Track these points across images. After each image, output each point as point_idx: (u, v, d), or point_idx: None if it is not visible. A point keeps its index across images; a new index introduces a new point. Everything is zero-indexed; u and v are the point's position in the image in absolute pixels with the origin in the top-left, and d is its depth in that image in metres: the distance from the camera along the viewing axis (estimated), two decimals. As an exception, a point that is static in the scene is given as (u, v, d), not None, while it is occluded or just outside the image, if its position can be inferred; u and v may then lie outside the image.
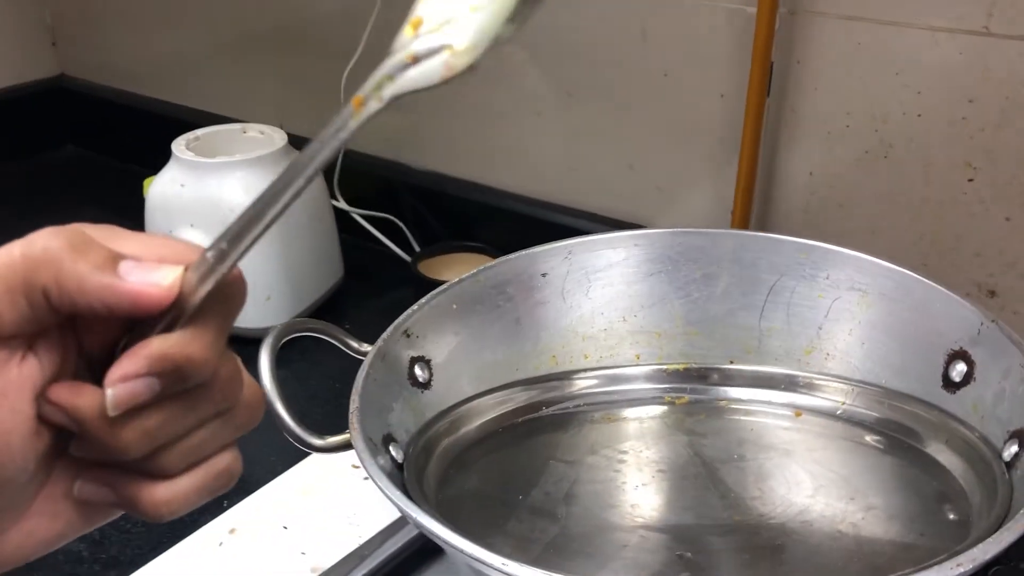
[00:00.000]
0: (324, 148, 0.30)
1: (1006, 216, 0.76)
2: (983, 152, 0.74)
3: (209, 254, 0.30)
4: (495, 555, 0.37)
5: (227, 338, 0.31)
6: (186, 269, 0.30)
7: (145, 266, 0.29)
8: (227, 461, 0.33)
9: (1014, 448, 0.46)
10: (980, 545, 0.37)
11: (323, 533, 0.66)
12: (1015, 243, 0.76)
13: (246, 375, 0.33)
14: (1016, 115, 0.71)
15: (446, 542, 0.39)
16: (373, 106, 0.30)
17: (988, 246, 0.77)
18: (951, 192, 0.77)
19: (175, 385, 0.29)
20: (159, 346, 0.29)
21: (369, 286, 1.00)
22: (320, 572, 0.63)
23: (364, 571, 0.59)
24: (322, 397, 0.83)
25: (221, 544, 0.66)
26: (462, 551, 0.38)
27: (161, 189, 0.87)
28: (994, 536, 0.38)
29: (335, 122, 0.30)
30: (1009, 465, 0.46)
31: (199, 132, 0.90)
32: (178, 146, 0.87)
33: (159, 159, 0.89)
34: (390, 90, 0.30)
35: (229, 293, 0.31)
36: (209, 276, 0.30)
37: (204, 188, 0.85)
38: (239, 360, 0.33)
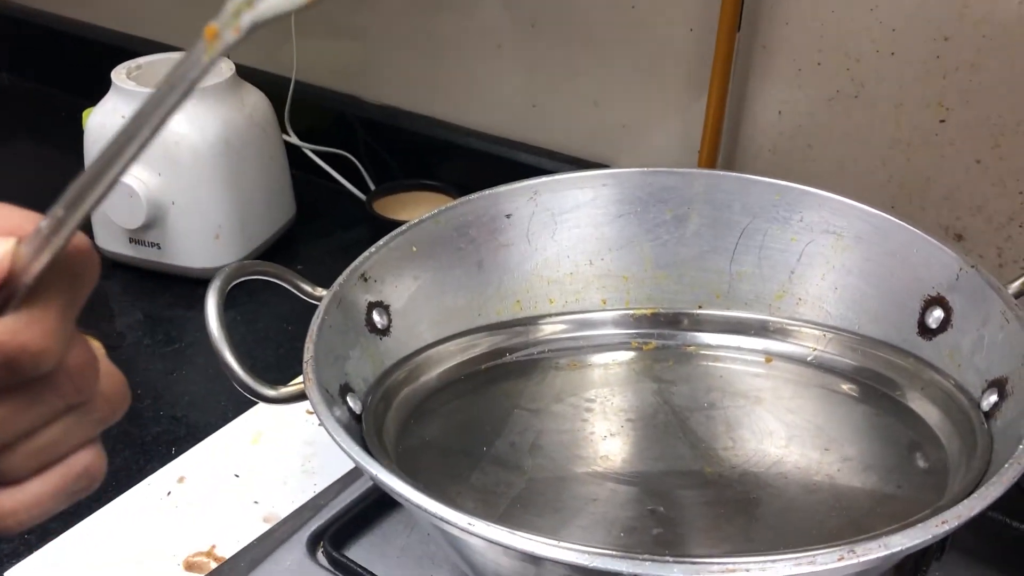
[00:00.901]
0: (173, 92, 0.26)
1: (976, 159, 0.75)
2: (956, 92, 0.73)
3: (43, 223, 0.25)
4: (461, 514, 0.35)
5: (75, 320, 0.27)
6: (19, 242, 0.25)
7: None
8: (86, 461, 0.28)
9: (993, 398, 0.45)
10: (965, 502, 0.36)
11: (276, 481, 0.64)
12: (984, 186, 0.75)
13: (105, 363, 0.29)
14: (992, 55, 0.70)
15: (410, 501, 0.36)
16: (229, 37, 0.26)
17: (957, 189, 0.76)
18: (922, 133, 0.76)
19: (9, 378, 0.25)
20: None
21: (323, 225, 0.96)
22: (274, 522, 0.60)
23: (320, 522, 0.57)
24: (274, 340, 0.80)
25: (169, 494, 0.63)
26: (427, 510, 0.36)
27: (101, 121, 0.82)
28: (978, 492, 0.36)
29: (185, 60, 0.26)
30: (988, 415, 0.45)
31: (141, 60, 0.86)
32: (118, 75, 0.82)
33: (99, 89, 0.84)
34: (249, 17, 0.26)
35: (74, 268, 0.26)
36: (45, 249, 0.25)
37: (146, 120, 0.80)
38: (94, 345, 0.28)
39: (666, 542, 0.43)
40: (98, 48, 1.18)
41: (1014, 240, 0.75)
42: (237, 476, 0.65)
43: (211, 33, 0.26)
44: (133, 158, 0.26)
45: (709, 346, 0.59)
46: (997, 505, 0.53)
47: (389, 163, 1.01)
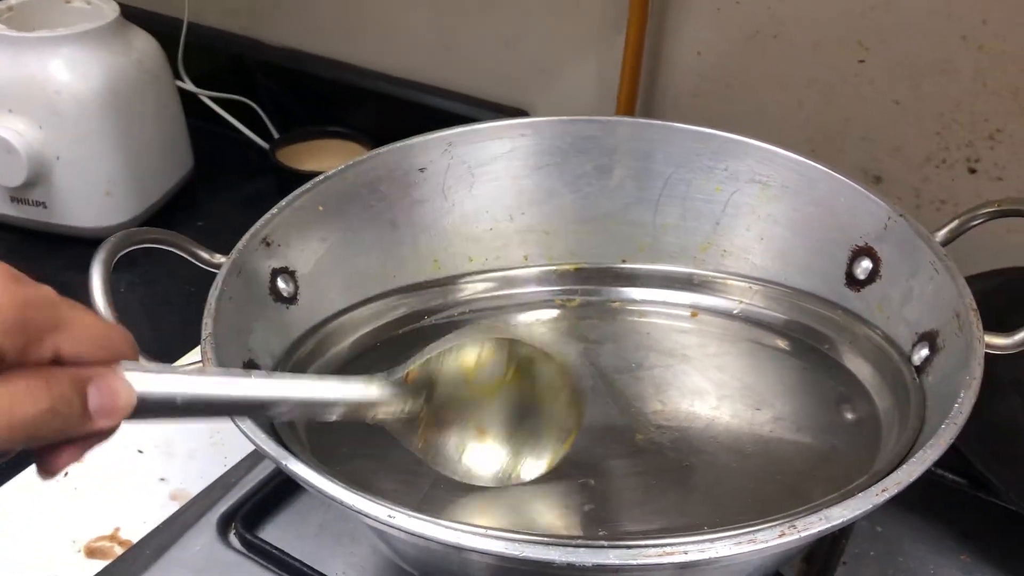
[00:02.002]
0: None
1: (895, 99, 0.74)
2: (876, 32, 0.72)
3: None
4: (380, 506, 0.33)
5: None
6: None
7: None
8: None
9: (924, 351, 0.44)
10: (905, 467, 0.35)
11: (183, 456, 0.61)
12: (902, 127, 0.74)
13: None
14: (911, -9, 0.69)
15: (323, 491, 0.34)
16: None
17: (875, 130, 0.76)
18: (841, 73, 0.75)
19: None
20: None
21: (224, 177, 0.91)
22: (183, 500, 0.57)
23: (232, 501, 0.54)
24: (175, 303, 0.75)
25: (66, 474, 0.59)
26: (343, 503, 0.33)
27: (-31, 69, 0.75)
28: (918, 455, 0.35)
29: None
30: (919, 369, 0.44)
31: (13, 1, 0.79)
32: (-12, 18, 0.75)
33: (-35, 33, 0.77)
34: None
35: None
36: None
37: (23, 68, 0.75)
38: None
39: (598, 519, 0.42)
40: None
41: (931, 181, 0.75)
42: (141, 452, 0.61)
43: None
44: None
45: (634, 301, 0.57)
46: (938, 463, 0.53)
47: (293, 109, 0.96)
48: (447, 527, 0.32)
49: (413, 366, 0.39)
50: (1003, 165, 0.72)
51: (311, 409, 0.36)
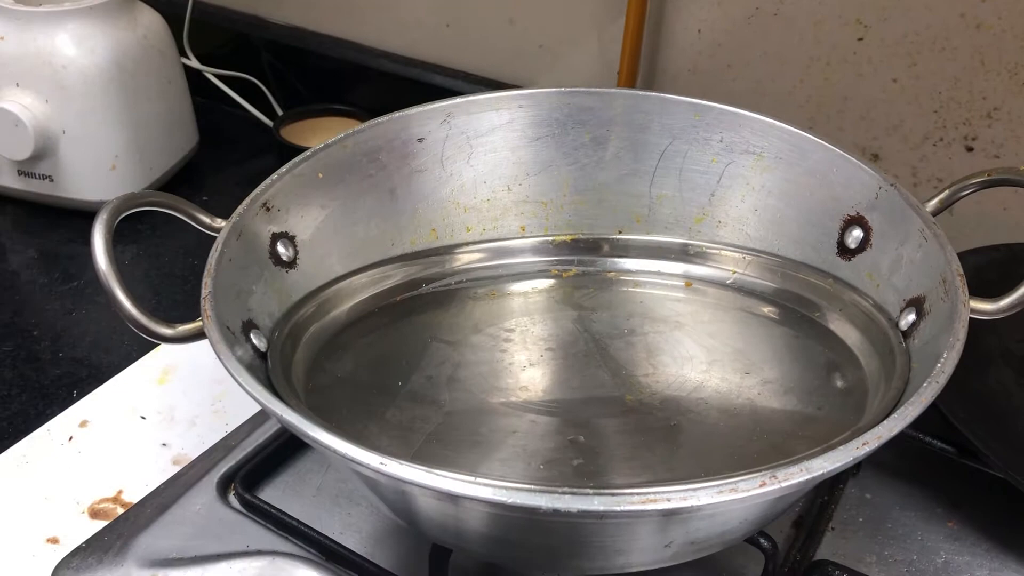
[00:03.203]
0: None
1: (893, 78, 0.74)
2: (875, 10, 0.72)
3: None
4: (372, 454, 0.33)
5: None
6: None
7: None
8: None
9: (911, 317, 0.45)
10: (885, 423, 0.35)
11: (185, 422, 0.62)
12: (900, 105, 0.75)
13: None
14: (910, -31, 0.69)
15: (318, 441, 0.34)
16: None
17: (873, 108, 0.76)
18: (840, 52, 0.75)
19: None
20: None
21: (228, 154, 0.92)
22: (184, 465, 0.58)
23: (232, 463, 0.55)
24: (179, 275, 0.76)
25: (71, 439, 0.61)
26: (335, 451, 0.34)
27: (-26, 43, 0.76)
28: (898, 412, 0.36)
29: None
30: (906, 334, 0.45)
31: (19, -25, 0.79)
32: (-6, -8, 0.76)
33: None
34: None
35: None
36: None
37: (30, 42, 0.76)
38: None
39: (587, 473, 0.42)
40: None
41: (928, 159, 0.76)
42: (144, 418, 0.62)
43: None
44: None
45: (629, 271, 0.58)
46: (917, 425, 0.54)
47: (297, 87, 0.97)
48: (437, 475, 0.33)
49: None
50: (1000, 143, 0.73)
51: None
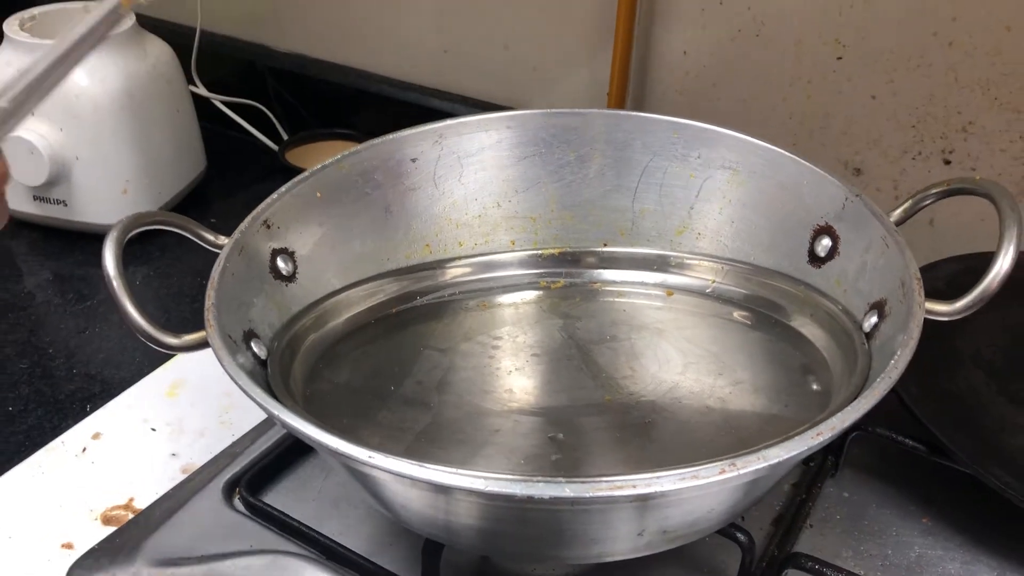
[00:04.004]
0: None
1: (872, 95, 0.77)
2: (852, 29, 0.75)
3: None
4: (361, 448, 0.36)
5: None
6: None
7: None
8: None
9: (873, 319, 0.48)
10: (839, 414, 0.38)
11: (194, 434, 0.64)
12: (879, 121, 0.77)
13: None
14: (884, -9, 0.72)
15: (308, 437, 0.37)
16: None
17: (854, 124, 0.79)
18: (820, 70, 0.78)
19: None
20: None
21: (235, 177, 0.95)
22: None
23: (236, 469, 0.57)
24: (188, 294, 0.79)
25: (84, 450, 0.63)
26: (327, 446, 0.37)
27: (-6, 75, 0.80)
28: (852, 404, 0.39)
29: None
30: (869, 336, 0.47)
31: (35, 11, 0.83)
32: (11, 26, 0.80)
33: (-10, 41, 0.81)
34: None
35: None
36: None
37: (44, 74, 0.78)
38: None
39: (564, 466, 0.45)
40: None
41: (908, 173, 0.78)
42: (154, 430, 0.65)
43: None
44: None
45: (614, 282, 0.61)
46: (884, 422, 0.56)
47: (301, 113, 1.00)
48: (421, 467, 0.36)
49: None
50: (976, 156, 0.75)
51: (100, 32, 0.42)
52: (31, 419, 0.66)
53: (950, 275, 0.64)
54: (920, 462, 0.57)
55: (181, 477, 0.60)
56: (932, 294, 0.45)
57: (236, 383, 0.40)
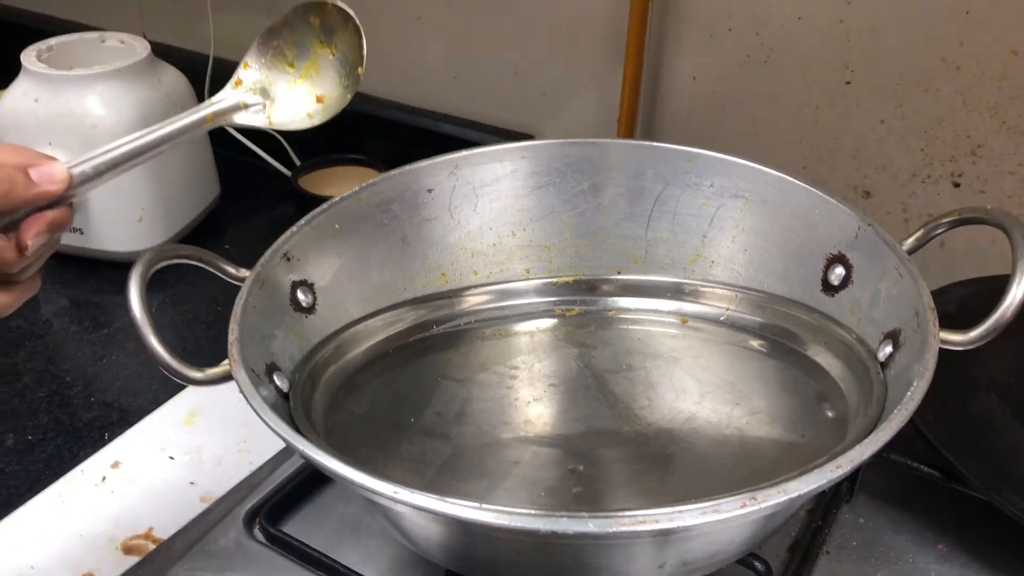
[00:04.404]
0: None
1: (880, 119, 0.78)
2: (860, 54, 0.75)
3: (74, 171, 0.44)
4: (386, 483, 0.37)
5: None
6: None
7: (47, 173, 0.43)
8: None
9: (888, 348, 0.48)
10: (857, 447, 0.38)
11: (212, 462, 0.65)
12: (888, 145, 0.78)
13: None
14: (892, 16, 0.72)
15: (335, 472, 0.38)
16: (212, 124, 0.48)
17: (863, 148, 0.79)
18: (829, 95, 0.79)
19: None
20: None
21: (249, 203, 0.96)
22: (211, 502, 0.61)
23: (256, 499, 0.58)
24: (204, 320, 0.80)
25: (104, 479, 0.64)
26: (353, 481, 0.37)
27: (13, 105, 0.81)
28: (870, 437, 0.39)
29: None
30: (884, 365, 0.48)
31: (52, 41, 0.84)
32: (28, 57, 0.81)
33: (8, 71, 0.82)
34: (259, 120, 0.50)
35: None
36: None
37: (61, 103, 0.80)
38: None
39: (585, 499, 0.46)
40: (7, 29, 1.15)
41: (918, 196, 0.79)
42: (172, 458, 0.65)
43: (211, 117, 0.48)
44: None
45: (628, 310, 0.61)
46: (899, 448, 0.56)
47: (313, 138, 1.01)
48: (446, 502, 0.36)
49: (237, 76, 0.50)
50: (985, 179, 0.76)
51: (184, 135, 0.47)
52: (50, 448, 0.67)
53: (961, 299, 0.65)
54: (935, 488, 0.57)
55: (200, 506, 0.61)
56: (944, 319, 0.46)
57: (262, 419, 0.41)
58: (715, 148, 0.61)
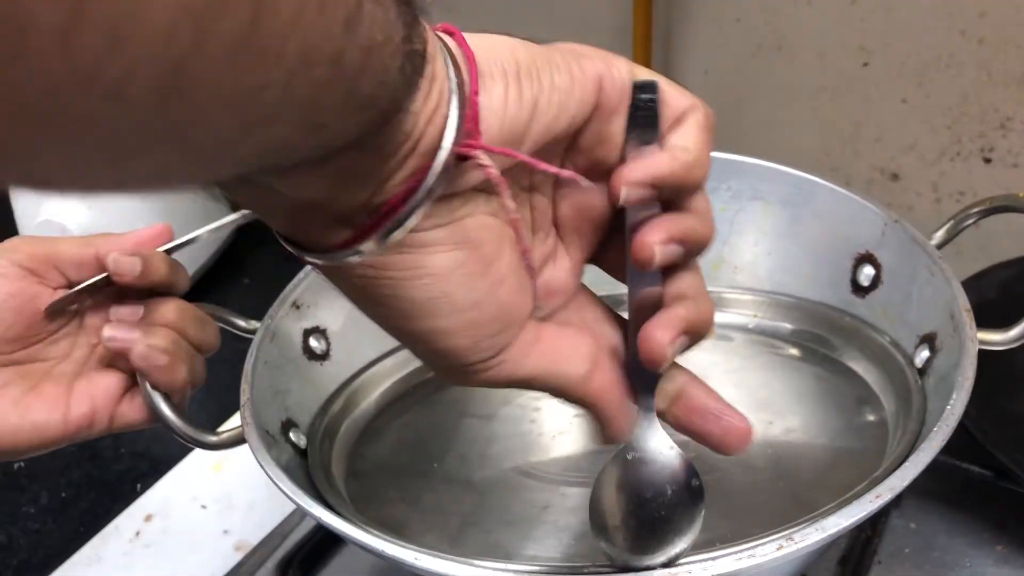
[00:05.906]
0: None
1: (902, 98, 0.75)
2: (876, 35, 0.73)
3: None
4: (407, 549, 0.35)
5: None
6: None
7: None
8: None
9: (925, 353, 0.46)
10: (898, 472, 0.36)
11: (243, 508, 0.64)
12: (913, 124, 0.75)
13: None
14: (905, -7, 0.70)
15: (351, 539, 0.36)
16: None
17: (887, 130, 0.77)
18: (847, 79, 0.76)
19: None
20: None
21: (266, 236, 0.95)
22: (245, 550, 0.61)
23: (288, 547, 0.57)
24: (220, 359, 0.79)
25: (138, 534, 0.64)
26: (371, 549, 0.36)
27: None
28: (910, 459, 0.37)
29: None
30: (922, 372, 0.46)
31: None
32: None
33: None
34: None
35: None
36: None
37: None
38: None
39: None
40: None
41: (947, 175, 0.76)
42: (204, 507, 0.65)
43: None
44: None
45: (652, 324, 0.59)
46: (946, 449, 0.54)
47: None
48: (469, 565, 0.35)
49: None
50: (1017, 152, 0.73)
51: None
52: (83, 503, 0.67)
53: (1002, 283, 0.62)
54: (988, 487, 0.54)
55: (234, 555, 0.60)
56: (984, 307, 0.43)
57: (277, 485, 0.40)
58: (732, 145, 0.59)
